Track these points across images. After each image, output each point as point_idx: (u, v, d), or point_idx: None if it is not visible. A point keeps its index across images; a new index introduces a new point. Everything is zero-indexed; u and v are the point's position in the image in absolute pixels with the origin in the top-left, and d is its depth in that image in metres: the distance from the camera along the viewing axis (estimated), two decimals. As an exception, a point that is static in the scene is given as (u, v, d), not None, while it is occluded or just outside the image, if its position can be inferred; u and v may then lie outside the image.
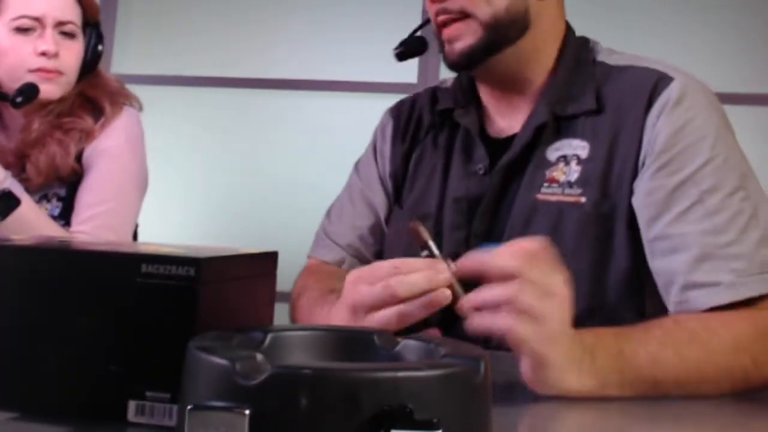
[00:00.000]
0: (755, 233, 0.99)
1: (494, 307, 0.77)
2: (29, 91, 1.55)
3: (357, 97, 3.07)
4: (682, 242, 0.99)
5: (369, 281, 0.83)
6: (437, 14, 1.10)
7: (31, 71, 1.57)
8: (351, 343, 0.66)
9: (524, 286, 0.77)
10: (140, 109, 1.75)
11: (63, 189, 1.64)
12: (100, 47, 1.68)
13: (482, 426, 0.57)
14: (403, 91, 3.23)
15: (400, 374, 0.52)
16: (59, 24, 1.59)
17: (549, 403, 0.81)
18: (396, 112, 1.30)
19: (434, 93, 1.27)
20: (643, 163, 1.04)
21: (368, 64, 3.00)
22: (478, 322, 0.78)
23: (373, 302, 0.82)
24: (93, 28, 1.67)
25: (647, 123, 1.05)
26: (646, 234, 1.04)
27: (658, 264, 1.03)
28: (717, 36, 2.87)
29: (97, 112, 1.67)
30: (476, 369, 0.56)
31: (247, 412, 0.50)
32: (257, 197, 3.17)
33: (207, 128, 3.25)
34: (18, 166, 1.62)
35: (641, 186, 1.04)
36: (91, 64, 1.67)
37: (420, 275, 0.81)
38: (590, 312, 1.01)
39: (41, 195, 1.63)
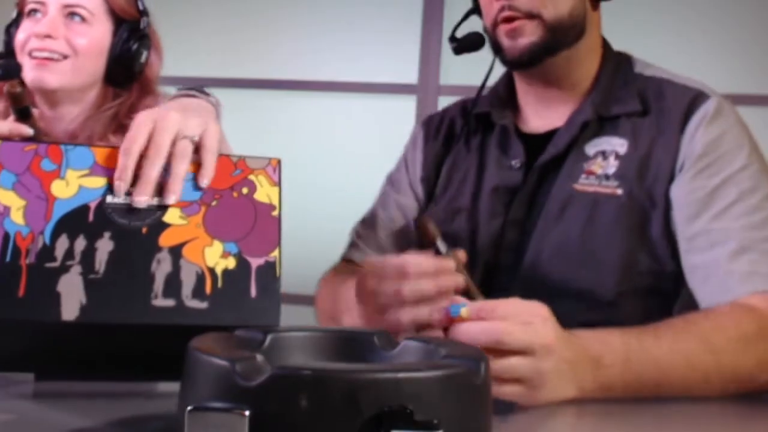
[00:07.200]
0: None
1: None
2: (7, 66, 1.47)
3: (357, 97, 3.06)
4: (723, 236, 1.03)
5: (377, 283, 0.89)
6: (502, 9, 1.12)
7: (28, 53, 1.50)
8: (351, 343, 0.66)
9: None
10: None
11: None
12: (135, 46, 1.56)
13: (482, 426, 0.57)
14: (403, 92, 3.26)
15: (401, 375, 0.52)
16: (65, 7, 1.52)
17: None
18: (426, 122, 1.36)
19: (464, 105, 1.33)
20: (681, 168, 1.08)
21: (368, 64, 2.99)
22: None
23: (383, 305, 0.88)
24: (127, 25, 1.56)
25: (685, 134, 1.09)
26: (685, 232, 1.07)
27: (697, 259, 1.05)
28: (718, 36, 2.87)
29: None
30: (476, 370, 0.56)
31: (247, 413, 0.50)
32: (257, 197, 3.17)
33: (207, 128, 3.25)
34: None
35: (680, 188, 1.08)
36: (120, 63, 1.55)
37: (430, 283, 0.85)
38: (620, 296, 1.07)
39: None
